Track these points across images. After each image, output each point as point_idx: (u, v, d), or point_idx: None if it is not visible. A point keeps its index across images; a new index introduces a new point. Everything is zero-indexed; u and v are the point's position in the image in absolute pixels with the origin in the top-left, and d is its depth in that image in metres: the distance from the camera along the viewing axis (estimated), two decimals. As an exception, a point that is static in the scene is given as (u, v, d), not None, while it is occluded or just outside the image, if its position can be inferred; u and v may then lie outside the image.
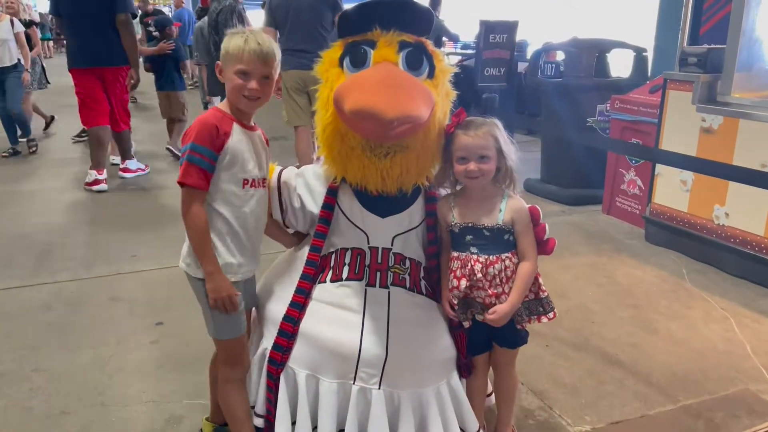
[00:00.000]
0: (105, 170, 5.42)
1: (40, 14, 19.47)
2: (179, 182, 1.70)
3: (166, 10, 14.16)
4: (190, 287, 1.84)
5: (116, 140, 5.76)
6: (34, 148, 6.76)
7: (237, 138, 1.75)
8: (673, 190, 4.11)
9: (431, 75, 1.79)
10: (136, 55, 5.40)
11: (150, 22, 9.48)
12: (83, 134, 6.98)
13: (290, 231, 2.05)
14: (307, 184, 1.92)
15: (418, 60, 1.77)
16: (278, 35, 5.26)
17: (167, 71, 6.45)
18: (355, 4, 1.79)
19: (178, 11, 11.84)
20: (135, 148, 6.15)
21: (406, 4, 1.79)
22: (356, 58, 1.76)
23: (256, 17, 8.88)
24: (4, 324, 2.97)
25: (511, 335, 1.95)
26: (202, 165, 1.68)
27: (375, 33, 1.77)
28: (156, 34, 8.67)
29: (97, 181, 5.30)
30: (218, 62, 1.79)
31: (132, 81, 5.46)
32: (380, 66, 1.72)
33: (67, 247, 3.98)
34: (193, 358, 2.66)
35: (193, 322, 2.89)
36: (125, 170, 5.81)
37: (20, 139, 6.74)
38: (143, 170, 5.89)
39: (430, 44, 1.83)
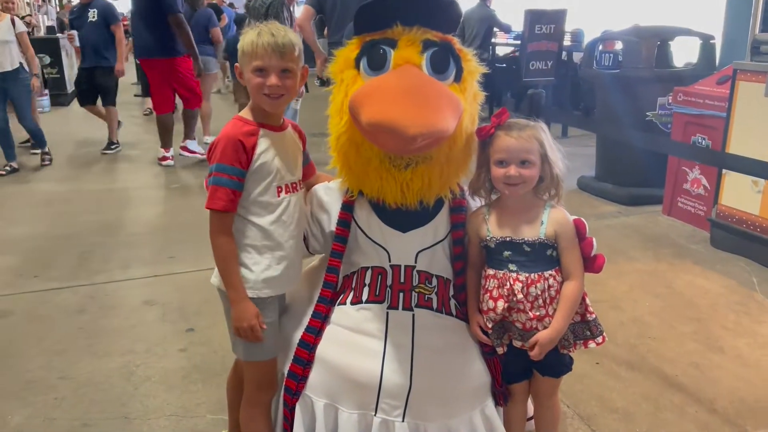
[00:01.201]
0: (171, 149, 6.20)
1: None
2: (207, 207, 1.60)
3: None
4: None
5: (183, 117, 6.40)
6: (47, 161, 6.12)
7: (265, 147, 1.63)
8: (742, 190, 3.77)
9: (458, 78, 1.60)
10: (193, 49, 5.94)
11: None
12: (112, 146, 6.76)
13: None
14: (321, 203, 1.77)
15: (444, 62, 1.58)
16: (325, 27, 5.15)
17: None
18: None
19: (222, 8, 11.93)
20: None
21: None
22: (374, 60, 1.58)
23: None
24: (38, 327, 2.95)
25: (554, 362, 1.74)
26: (229, 185, 1.58)
27: (396, 30, 1.59)
28: None
29: (164, 158, 6.15)
30: (236, 64, 1.67)
31: (196, 72, 6.11)
32: (402, 70, 1.53)
33: (109, 247, 3.98)
34: (220, 368, 2.56)
35: (223, 330, 2.78)
36: (184, 148, 6.21)
37: (33, 151, 6.31)
38: (201, 154, 6.09)
39: (457, 42, 1.64)
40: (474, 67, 1.65)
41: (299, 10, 5.71)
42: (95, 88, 6.63)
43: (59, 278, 3.50)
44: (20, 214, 4.66)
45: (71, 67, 10.77)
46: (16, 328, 2.95)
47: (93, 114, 6.87)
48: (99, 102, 6.75)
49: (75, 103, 10.29)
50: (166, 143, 6.15)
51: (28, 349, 2.76)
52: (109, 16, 6.48)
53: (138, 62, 7.85)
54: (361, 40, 1.63)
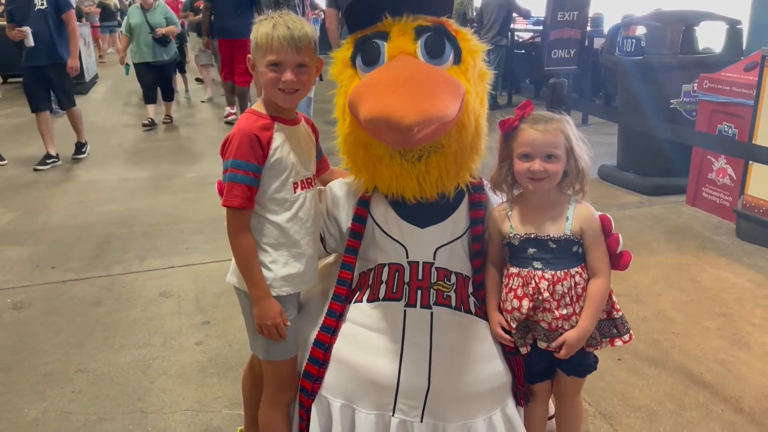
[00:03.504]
0: (235, 107, 7.48)
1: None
2: (224, 205, 1.56)
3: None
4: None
5: (237, 94, 7.28)
6: None
7: (280, 141, 1.59)
8: (770, 180, 3.66)
9: (458, 60, 1.54)
10: None
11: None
12: (81, 151, 6.07)
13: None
14: (336, 200, 1.72)
15: (439, 46, 1.52)
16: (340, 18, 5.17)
17: None
18: None
19: None
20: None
21: None
22: (368, 55, 1.53)
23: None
24: (56, 320, 2.95)
25: (580, 361, 1.69)
26: (246, 182, 1.54)
27: (386, 22, 1.53)
28: None
29: (229, 114, 7.54)
30: (249, 56, 1.62)
31: None
32: (396, 61, 1.48)
33: (125, 238, 3.98)
34: (236, 362, 2.56)
35: (238, 323, 2.80)
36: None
37: None
38: None
39: (452, 24, 1.58)
40: (474, 46, 1.58)
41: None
42: (48, 91, 5.74)
43: (76, 270, 3.50)
44: (37, 205, 4.67)
45: (89, 56, 10.82)
46: (33, 320, 2.96)
47: (43, 130, 5.71)
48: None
49: (93, 91, 10.40)
50: (231, 102, 7.50)
51: (45, 341, 2.76)
52: (61, 2, 5.51)
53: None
54: (354, 38, 1.59)
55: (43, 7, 5.40)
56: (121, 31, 8.66)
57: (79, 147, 6.08)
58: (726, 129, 4.15)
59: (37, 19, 5.38)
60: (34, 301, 3.14)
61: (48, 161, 5.68)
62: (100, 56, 14.49)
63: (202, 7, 7.95)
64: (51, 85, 5.69)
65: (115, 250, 3.77)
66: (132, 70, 7.77)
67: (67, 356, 2.64)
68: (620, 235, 1.63)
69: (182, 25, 10.63)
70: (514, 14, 8.71)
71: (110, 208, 4.56)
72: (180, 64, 9.01)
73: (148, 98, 7.63)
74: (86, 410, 2.29)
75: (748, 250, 3.70)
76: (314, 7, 10.49)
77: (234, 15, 6.72)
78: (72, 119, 6.00)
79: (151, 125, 7.44)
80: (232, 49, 6.89)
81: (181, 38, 9.21)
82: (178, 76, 9.46)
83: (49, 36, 5.44)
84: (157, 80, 7.57)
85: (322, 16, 11.60)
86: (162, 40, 7.36)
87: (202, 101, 9.38)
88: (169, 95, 7.78)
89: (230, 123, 7.41)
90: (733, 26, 4.91)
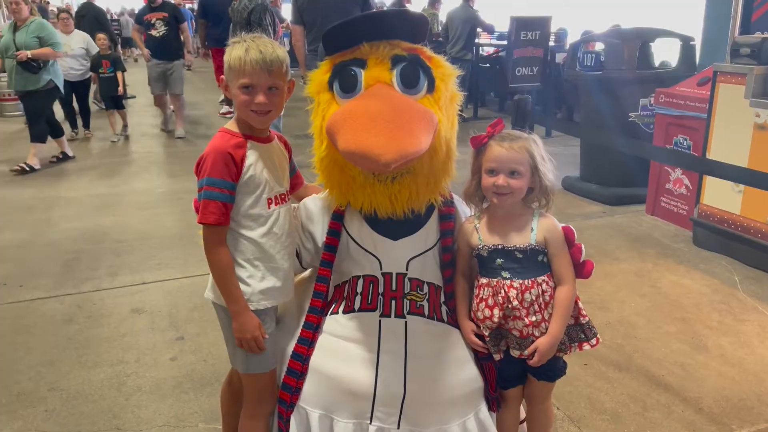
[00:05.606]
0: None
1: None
2: (200, 222, 1.60)
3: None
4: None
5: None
6: None
7: (254, 159, 1.63)
8: (723, 190, 3.83)
9: (431, 89, 1.61)
10: None
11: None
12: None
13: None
14: (310, 215, 1.78)
15: (414, 76, 1.59)
16: (306, 33, 5.23)
17: None
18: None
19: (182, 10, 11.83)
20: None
21: (396, 14, 1.63)
22: (346, 83, 1.60)
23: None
24: (26, 338, 2.92)
25: (550, 367, 1.76)
26: (221, 199, 1.57)
27: (364, 49, 1.60)
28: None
29: (229, 112, 8.30)
30: (222, 77, 1.66)
31: None
32: (373, 92, 1.54)
33: (95, 255, 3.94)
34: (211, 377, 2.57)
35: (213, 338, 2.84)
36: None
37: None
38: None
39: (426, 51, 1.65)
40: (447, 72, 1.65)
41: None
42: None
43: (45, 287, 3.46)
44: (1, 222, 4.60)
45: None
46: (2, 339, 2.92)
47: None
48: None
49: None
50: (229, 102, 8.23)
51: (16, 360, 2.73)
52: None
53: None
54: (331, 62, 1.65)
55: None
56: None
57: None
58: (681, 141, 4.33)
59: None
60: (3, 320, 3.10)
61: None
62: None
63: (154, 20, 7.56)
64: None
65: (85, 267, 3.74)
66: None
67: (40, 375, 2.62)
68: (583, 245, 1.72)
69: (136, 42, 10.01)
70: (479, 29, 8.92)
71: (78, 225, 4.51)
72: (116, 99, 7.52)
73: (32, 135, 6.10)
74: (61, 429, 2.28)
75: (704, 257, 3.86)
76: (282, 20, 10.56)
77: (222, 29, 7.52)
78: None
79: (23, 171, 5.89)
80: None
81: (115, 63, 7.45)
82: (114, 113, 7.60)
83: None
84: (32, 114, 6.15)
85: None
86: (28, 66, 5.82)
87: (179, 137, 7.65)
88: (53, 131, 6.35)
89: (224, 118, 8.36)
90: (687, 43, 5.14)
